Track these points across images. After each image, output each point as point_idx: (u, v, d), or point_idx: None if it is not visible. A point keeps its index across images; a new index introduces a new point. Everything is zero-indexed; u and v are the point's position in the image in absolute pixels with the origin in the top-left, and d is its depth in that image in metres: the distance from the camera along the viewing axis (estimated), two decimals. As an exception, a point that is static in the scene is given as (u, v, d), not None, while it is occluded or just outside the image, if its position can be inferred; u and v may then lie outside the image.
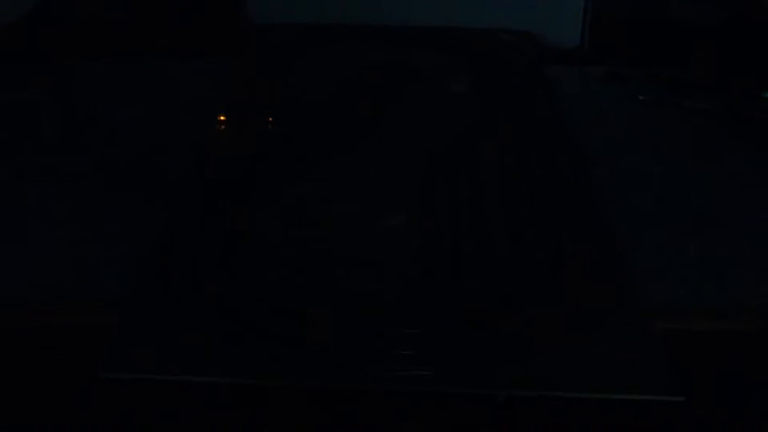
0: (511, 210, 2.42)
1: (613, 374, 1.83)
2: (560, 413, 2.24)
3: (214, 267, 2.12)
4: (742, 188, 2.66)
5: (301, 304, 2.00)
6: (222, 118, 2.95)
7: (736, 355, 2.36)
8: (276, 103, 3.12)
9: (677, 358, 1.86)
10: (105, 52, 3.75)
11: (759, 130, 3.03)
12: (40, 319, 2.09)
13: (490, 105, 3.10)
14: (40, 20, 3.58)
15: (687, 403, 1.77)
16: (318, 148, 2.79)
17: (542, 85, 3.28)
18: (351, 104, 3.14)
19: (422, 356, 1.85)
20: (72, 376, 1.97)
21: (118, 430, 2.09)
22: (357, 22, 3.94)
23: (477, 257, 2.20)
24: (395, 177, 2.62)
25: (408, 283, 2.11)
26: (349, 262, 2.18)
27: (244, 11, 3.96)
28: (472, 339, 1.89)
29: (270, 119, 2.96)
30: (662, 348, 1.88)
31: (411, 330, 1.93)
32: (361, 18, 3.96)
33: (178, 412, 2.13)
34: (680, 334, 2.03)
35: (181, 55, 4.02)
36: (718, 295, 2.14)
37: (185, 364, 1.83)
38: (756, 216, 2.45)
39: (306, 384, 1.83)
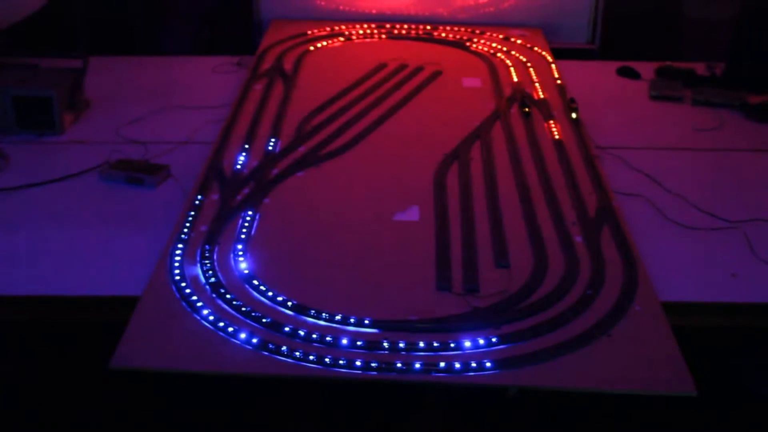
0: (527, 206, 2.43)
1: (627, 370, 1.83)
2: (573, 407, 2.24)
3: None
4: (755, 185, 2.65)
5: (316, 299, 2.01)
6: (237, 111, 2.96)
7: (746, 350, 2.36)
8: (289, 95, 3.12)
9: (690, 353, 1.86)
10: (118, 50, 3.78)
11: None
12: (61, 315, 2.12)
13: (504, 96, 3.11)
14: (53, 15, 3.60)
15: (699, 396, 1.77)
16: (332, 140, 2.79)
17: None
18: (365, 96, 3.15)
19: (440, 349, 1.87)
20: (87, 367, 2.00)
21: (127, 417, 2.11)
22: (373, 18, 3.97)
23: (500, 256, 2.21)
24: (411, 169, 2.64)
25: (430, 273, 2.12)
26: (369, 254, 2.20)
27: (257, 7, 3.99)
28: (489, 332, 1.90)
29: (284, 112, 2.97)
30: (675, 344, 1.88)
31: (430, 324, 1.94)
32: (378, 15, 3.99)
33: (186, 403, 2.14)
34: (693, 329, 2.03)
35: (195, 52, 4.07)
36: (729, 292, 2.14)
37: (191, 359, 1.85)
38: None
39: (310, 375, 1.84)
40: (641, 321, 1.98)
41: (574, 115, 2.80)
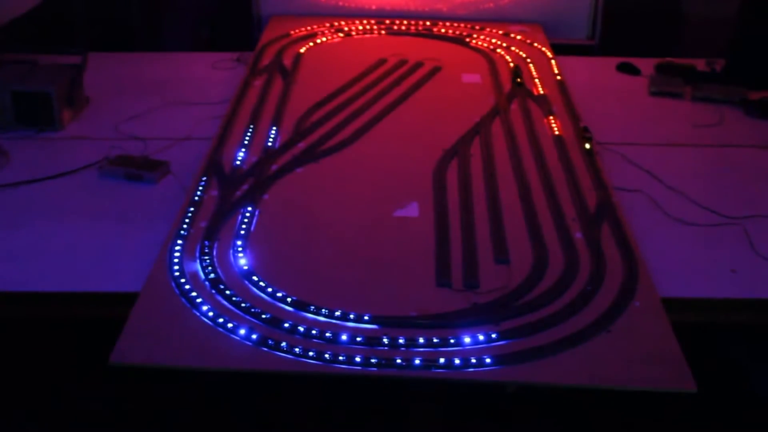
0: (527, 202, 2.42)
1: (627, 366, 1.83)
2: (573, 403, 2.24)
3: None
4: (755, 181, 2.64)
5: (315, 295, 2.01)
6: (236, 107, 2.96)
7: (747, 347, 2.36)
8: (289, 91, 3.12)
9: (690, 350, 1.86)
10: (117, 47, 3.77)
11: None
12: (60, 311, 2.12)
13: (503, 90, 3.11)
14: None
15: (699, 393, 1.77)
16: (331, 136, 2.79)
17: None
18: (364, 92, 3.15)
19: (440, 345, 1.87)
20: (86, 363, 1.99)
21: (126, 414, 2.11)
22: (372, 14, 3.97)
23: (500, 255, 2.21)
24: (411, 165, 2.63)
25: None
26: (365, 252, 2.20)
27: (256, 4, 3.99)
28: (489, 328, 1.90)
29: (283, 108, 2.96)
30: (675, 341, 1.88)
31: (429, 320, 1.94)
32: (377, 11, 3.99)
33: (185, 400, 2.14)
34: (692, 325, 2.03)
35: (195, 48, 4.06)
36: (729, 287, 2.14)
37: (191, 354, 1.85)
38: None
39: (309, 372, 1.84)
40: (641, 317, 1.97)
41: (587, 146, 2.62)
